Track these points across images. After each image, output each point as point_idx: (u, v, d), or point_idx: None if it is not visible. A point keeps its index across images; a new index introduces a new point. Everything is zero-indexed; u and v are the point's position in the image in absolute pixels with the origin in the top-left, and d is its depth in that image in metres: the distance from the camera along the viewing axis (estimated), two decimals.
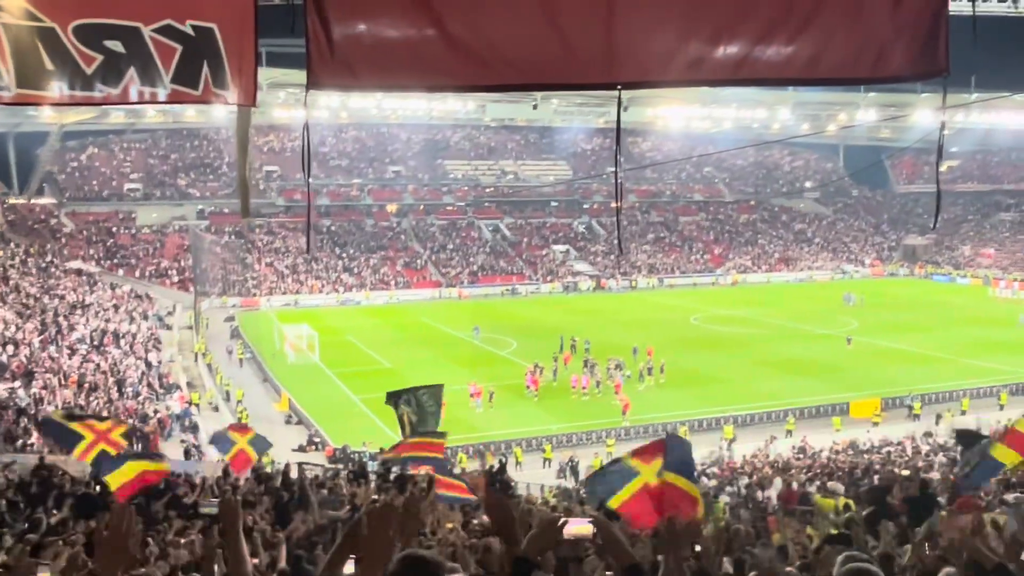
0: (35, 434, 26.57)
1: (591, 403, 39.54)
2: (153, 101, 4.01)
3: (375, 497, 13.61)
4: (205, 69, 3.93)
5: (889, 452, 28.71)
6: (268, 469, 18.39)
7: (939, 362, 46.52)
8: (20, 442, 25.01)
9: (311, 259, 78.12)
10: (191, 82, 3.95)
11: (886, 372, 43.92)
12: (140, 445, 28.17)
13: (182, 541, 8.62)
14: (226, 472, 14.83)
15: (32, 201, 74.45)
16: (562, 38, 3.82)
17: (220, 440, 17.28)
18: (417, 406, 17.20)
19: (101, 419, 13.74)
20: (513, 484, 21.90)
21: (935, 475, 19.92)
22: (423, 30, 3.79)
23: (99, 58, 3.85)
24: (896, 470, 21.40)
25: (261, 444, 16.72)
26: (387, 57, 3.85)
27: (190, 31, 3.88)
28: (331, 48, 3.80)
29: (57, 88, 3.89)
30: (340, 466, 26.56)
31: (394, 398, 17.64)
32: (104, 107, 58.29)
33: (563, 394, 40.77)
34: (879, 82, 4.00)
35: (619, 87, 4.00)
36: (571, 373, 43.02)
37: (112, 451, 12.45)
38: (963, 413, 37.16)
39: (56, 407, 30.52)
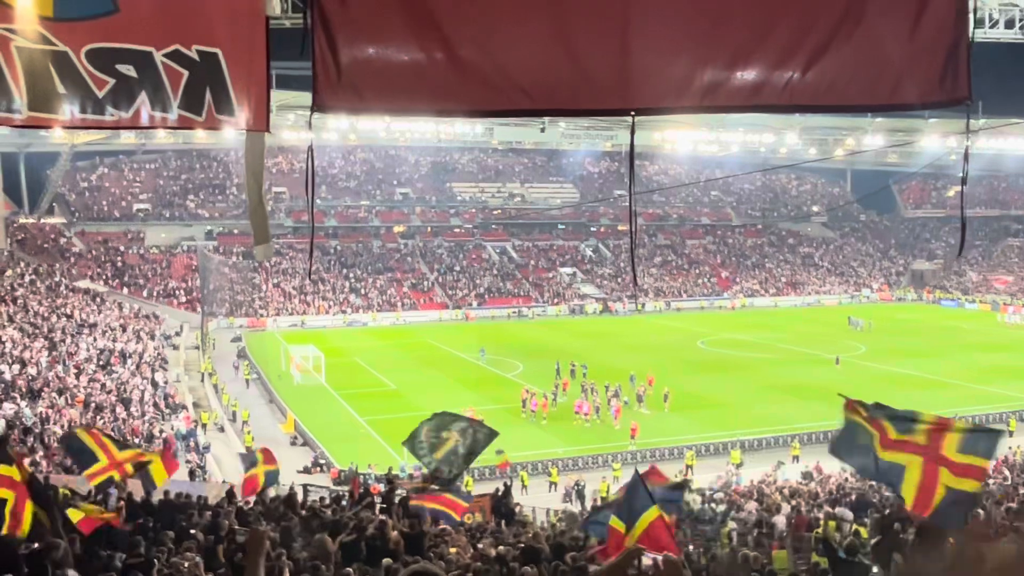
0: (40, 453, 26.54)
1: (597, 427, 39.35)
2: (161, 126, 3.99)
3: (383, 518, 13.51)
4: (208, 95, 3.91)
5: None
6: (272, 492, 18.29)
7: (948, 387, 46.23)
8: (27, 461, 24.94)
9: (317, 280, 78.28)
10: (196, 108, 3.93)
11: (894, 397, 43.62)
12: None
13: (185, 565, 8.56)
14: (231, 495, 14.74)
15: (42, 221, 74.82)
16: (575, 63, 3.76)
17: (247, 457, 17.69)
18: (472, 440, 16.55)
19: (123, 446, 13.48)
20: (518, 508, 21.77)
21: None
22: (432, 54, 3.74)
23: (111, 82, 3.85)
24: None
25: (272, 478, 16.82)
26: (395, 81, 3.80)
27: (195, 56, 3.86)
28: (338, 71, 3.76)
29: (68, 111, 3.88)
30: (345, 488, 26.42)
31: (446, 418, 17.02)
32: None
33: (567, 418, 40.57)
34: (898, 109, 3.94)
35: (632, 113, 3.94)
36: (571, 398, 42.85)
37: (119, 479, 12.32)
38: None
39: (63, 427, 30.51)
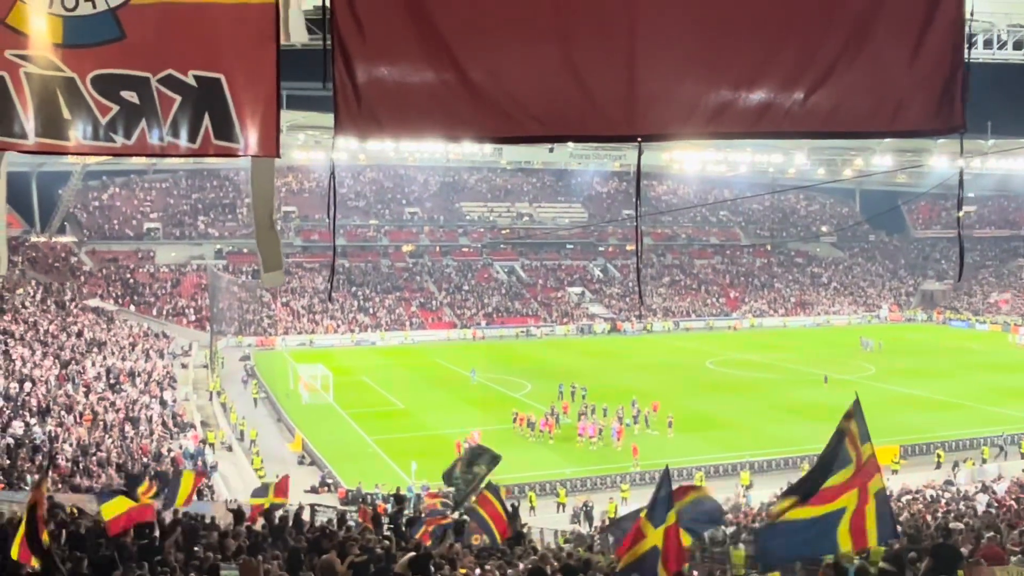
0: (50, 471, 26.55)
1: (602, 448, 39.13)
2: (162, 154, 4.00)
3: (390, 536, 13.47)
4: (206, 121, 3.90)
5: (909, 501, 28.20)
6: (280, 512, 18.25)
7: (958, 409, 45.93)
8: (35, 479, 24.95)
9: (326, 299, 78.42)
10: (189, 135, 3.92)
11: (904, 418, 43.35)
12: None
13: None
14: (239, 518, 14.71)
15: (53, 239, 75.22)
16: (584, 91, 3.88)
17: (260, 491, 18.07)
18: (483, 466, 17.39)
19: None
20: (526, 529, 21.65)
21: (959, 524, 19.52)
22: (447, 82, 3.87)
23: (114, 108, 3.86)
24: (926, 515, 21.03)
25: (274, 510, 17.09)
26: (412, 109, 3.94)
27: (192, 82, 3.86)
28: (358, 100, 3.88)
29: (75, 138, 3.88)
30: (353, 508, 26.37)
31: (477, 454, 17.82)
32: None
33: (574, 439, 40.33)
34: (896, 135, 4.06)
35: (639, 139, 4.05)
36: (573, 420, 42.58)
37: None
38: (984, 462, 36.59)
39: (71, 445, 30.55)
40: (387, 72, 3.88)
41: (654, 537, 9.26)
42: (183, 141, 3.93)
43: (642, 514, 9.63)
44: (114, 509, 11.75)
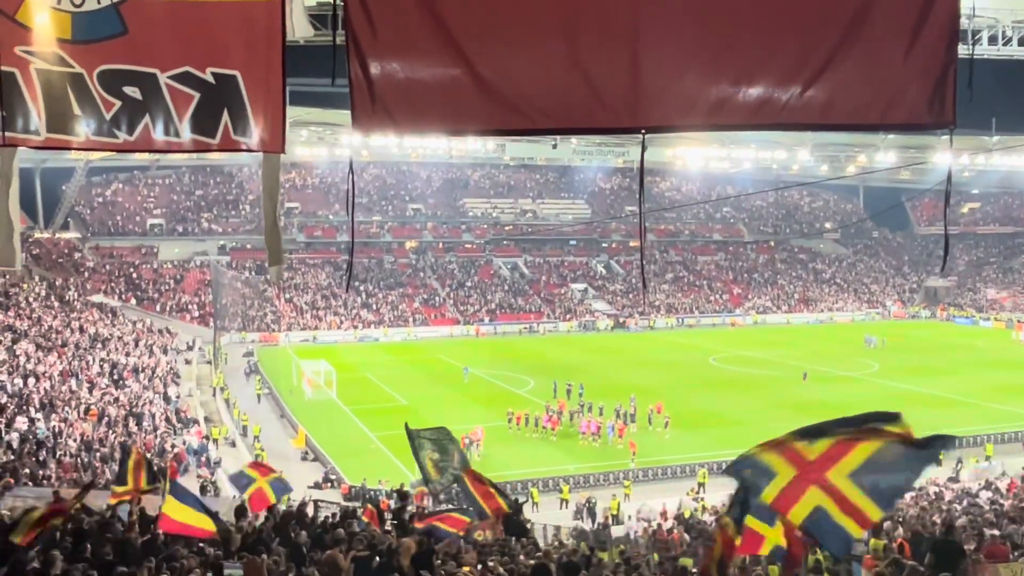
0: (53, 467, 26.62)
1: (605, 445, 39.09)
2: (171, 150, 4.00)
3: (391, 531, 13.48)
4: (225, 117, 3.94)
5: (914, 498, 28.15)
6: (283, 507, 18.25)
7: (961, 406, 45.86)
8: (39, 474, 25.02)
9: (329, 295, 78.49)
10: (208, 131, 3.95)
11: (908, 415, 43.07)
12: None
13: None
14: (242, 512, 14.71)
15: (57, 235, 75.32)
16: (590, 84, 3.97)
17: (238, 479, 17.27)
18: (437, 446, 17.15)
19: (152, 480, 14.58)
20: (529, 525, 21.66)
21: (962, 520, 19.50)
22: (458, 79, 3.97)
23: (117, 104, 3.88)
24: (927, 513, 21.01)
25: (280, 487, 16.62)
26: (424, 103, 4.03)
27: (210, 79, 3.89)
28: (372, 95, 3.97)
29: (83, 133, 3.90)
30: (357, 504, 26.39)
31: (413, 438, 17.55)
32: None
33: (576, 436, 40.29)
34: (889, 130, 4.17)
35: (643, 132, 4.13)
36: (567, 419, 42.51)
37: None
38: (987, 458, 36.52)
39: (75, 440, 30.63)
40: (399, 68, 3.97)
41: (774, 535, 8.99)
42: (201, 137, 3.96)
43: (749, 518, 9.21)
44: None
